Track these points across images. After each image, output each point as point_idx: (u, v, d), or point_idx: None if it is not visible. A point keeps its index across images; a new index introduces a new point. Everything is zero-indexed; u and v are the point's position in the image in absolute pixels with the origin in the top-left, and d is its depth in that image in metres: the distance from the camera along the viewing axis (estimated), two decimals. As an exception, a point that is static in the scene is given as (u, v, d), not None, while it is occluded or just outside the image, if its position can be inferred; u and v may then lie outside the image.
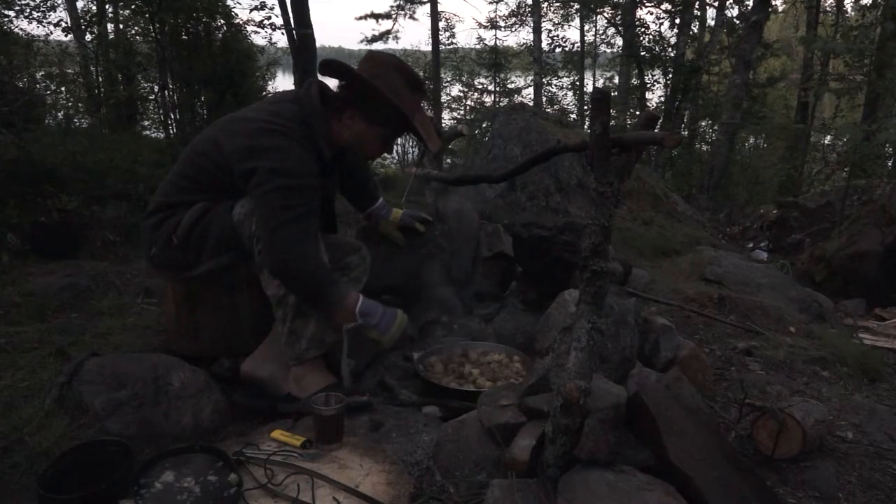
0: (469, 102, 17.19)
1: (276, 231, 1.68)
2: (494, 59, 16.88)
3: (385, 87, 1.80)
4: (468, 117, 16.09)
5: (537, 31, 13.91)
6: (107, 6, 7.88)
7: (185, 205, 1.85)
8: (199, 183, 1.86)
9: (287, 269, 1.73)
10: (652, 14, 17.54)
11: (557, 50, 17.23)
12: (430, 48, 15.08)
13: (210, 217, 1.82)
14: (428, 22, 15.04)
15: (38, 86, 6.06)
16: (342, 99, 1.87)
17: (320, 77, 1.98)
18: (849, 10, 13.26)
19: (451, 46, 17.36)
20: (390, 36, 16.50)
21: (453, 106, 17.13)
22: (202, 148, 1.88)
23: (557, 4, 17.02)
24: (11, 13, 5.80)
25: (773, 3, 11.96)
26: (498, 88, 17.21)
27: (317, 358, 1.91)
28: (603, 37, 17.42)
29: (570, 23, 17.39)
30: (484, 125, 10.77)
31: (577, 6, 16.12)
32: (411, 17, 16.65)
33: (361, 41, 16.86)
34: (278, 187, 1.69)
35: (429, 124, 1.96)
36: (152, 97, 7.65)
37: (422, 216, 2.47)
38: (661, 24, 12.95)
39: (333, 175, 2.04)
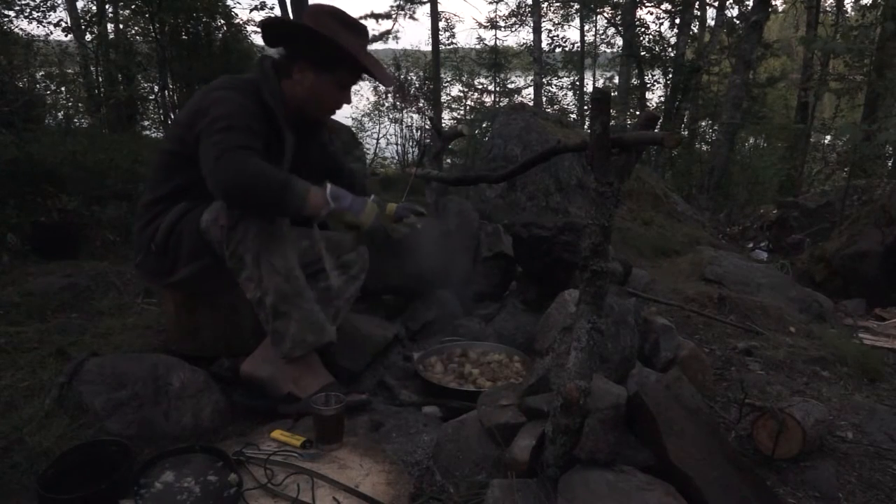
0: (469, 102, 17.12)
1: (219, 159, 1.63)
2: (494, 59, 16.85)
3: (325, 31, 1.82)
4: (468, 117, 16.05)
5: (537, 31, 13.89)
6: (107, 6, 7.89)
7: (166, 198, 1.86)
8: (172, 170, 1.87)
9: (236, 184, 1.63)
10: (652, 14, 17.59)
11: (557, 50, 17.22)
12: (430, 48, 15.08)
13: (182, 224, 1.82)
14: (428, 22, 15.04)
15: (38, 86, 6.07)
16: (288, 56, 1.89)
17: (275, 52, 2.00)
18: (849, 10, 13.29)
19: (451, 46, 17.31)
20: (390, 36, 16.47)
21: (453, 106, 17.07)
22: (168, 134, 1.94)
23: (557, 4, 17.01)
24: (11, 13, 5.82)
25: (773, 3, 11.98)
26: (498, 88, 17.18)
27: (312, 357, 1.90)
28: (603, 37, 17.44)
29: (570, 23, 17.40)
30: (484, 125, 10.75)
31: (577, 6, 16.12)
32: (411, 17, 16.63)
33: (361, 41, 16.79)
34: (219, 129, 1.68)
35: (379, 64, 1.97)
36: (152, 97, 7.66)
37: (416, 208, 2.46)
38: (661, 24, 12.98)
39: (303, 152, 2.00)
